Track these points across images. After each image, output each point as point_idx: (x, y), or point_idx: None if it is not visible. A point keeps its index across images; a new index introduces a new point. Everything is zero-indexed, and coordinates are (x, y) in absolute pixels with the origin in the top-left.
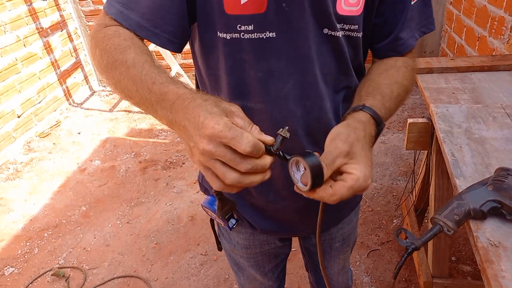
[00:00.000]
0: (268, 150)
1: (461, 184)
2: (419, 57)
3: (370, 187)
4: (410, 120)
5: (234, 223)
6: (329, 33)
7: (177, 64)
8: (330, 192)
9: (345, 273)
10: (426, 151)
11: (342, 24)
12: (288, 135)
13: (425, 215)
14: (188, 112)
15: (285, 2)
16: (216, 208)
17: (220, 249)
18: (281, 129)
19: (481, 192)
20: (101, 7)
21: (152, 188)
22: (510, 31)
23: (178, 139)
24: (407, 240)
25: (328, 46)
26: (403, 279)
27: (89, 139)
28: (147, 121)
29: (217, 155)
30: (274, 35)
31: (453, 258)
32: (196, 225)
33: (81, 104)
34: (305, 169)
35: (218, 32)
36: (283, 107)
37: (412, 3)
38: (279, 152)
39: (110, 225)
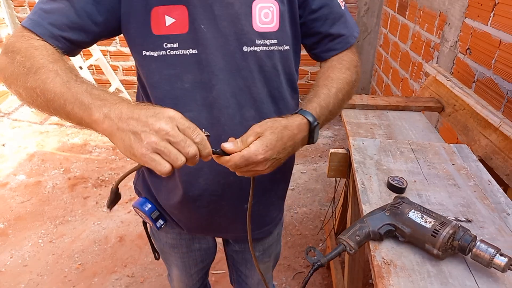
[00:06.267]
0: None
1: (366, 209)
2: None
3: (301, 212)
4: (331, 150)
5: (162, 223)
6: (248, 49)
7: (117, 80)
8: (227, 159)
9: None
10: (345, 179)
11: (261, 40)
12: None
13: None
14: (138, 107)
15: (203, 24)
16: (145, 209)
17: (157, 258)
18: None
19: (380, 216)
20: None
21: (80, 206)
22: (425, 76)
23: (112, 156)
24: (314, 257)
25: (249, 61)
26: None
27: (14, 152)
28: (80, 136)
29: (171, 134)
30: (196, 52)
31: (370, 281)
32: (125, 246)
33: (9, 114)
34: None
35: (144, 51)
36: (208, 114)
37: (342, 8)
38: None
39: (30, 244)
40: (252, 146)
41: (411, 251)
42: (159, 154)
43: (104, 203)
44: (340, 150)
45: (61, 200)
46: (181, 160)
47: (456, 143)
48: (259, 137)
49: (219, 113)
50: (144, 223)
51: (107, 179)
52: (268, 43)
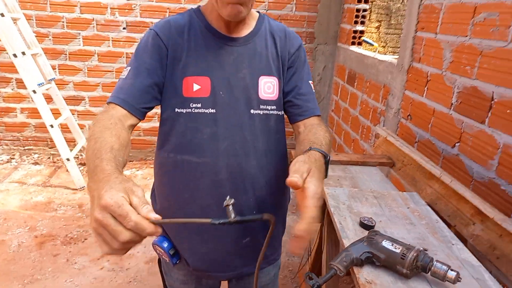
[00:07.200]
0: (224, 223)
1: (346, 243)
2: None
3: None
4: None
5: (177, 259)
6: (254, 112)
7: (83, 138)
8: (312, 209)
9: None
10: (319, 224)
11: (264, 105)
12: (232, 201)
13: None
14: (99, 184)
15: (221, 91)
16: (164, 246)
17: None
18: (227, 199)
19: (360, 246)
20: (8, 75)
21: (50, 264)
22: (374, 137)
23: (79, 214)
24: (312, 281)
25: (254, 120)
26: None
27: None
28: (44, 194)
29: (103, 223)
30: (215, 111)
31: None
32: None
33: None
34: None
35: (176, 108)
36: (220, 160)
37: (312, 89)
38: (234, 220)
39: None
40: (311, 185)
41: (386, 273)
42: (101, 235)
43: (76, 259)
44: None
45: (28, 258)
46: (115, 245)
47: (405, 192)
48: (310, 170)
49: (229, 160)
50: (159, 261)
51: (75, 236)
52: (269, 108)
